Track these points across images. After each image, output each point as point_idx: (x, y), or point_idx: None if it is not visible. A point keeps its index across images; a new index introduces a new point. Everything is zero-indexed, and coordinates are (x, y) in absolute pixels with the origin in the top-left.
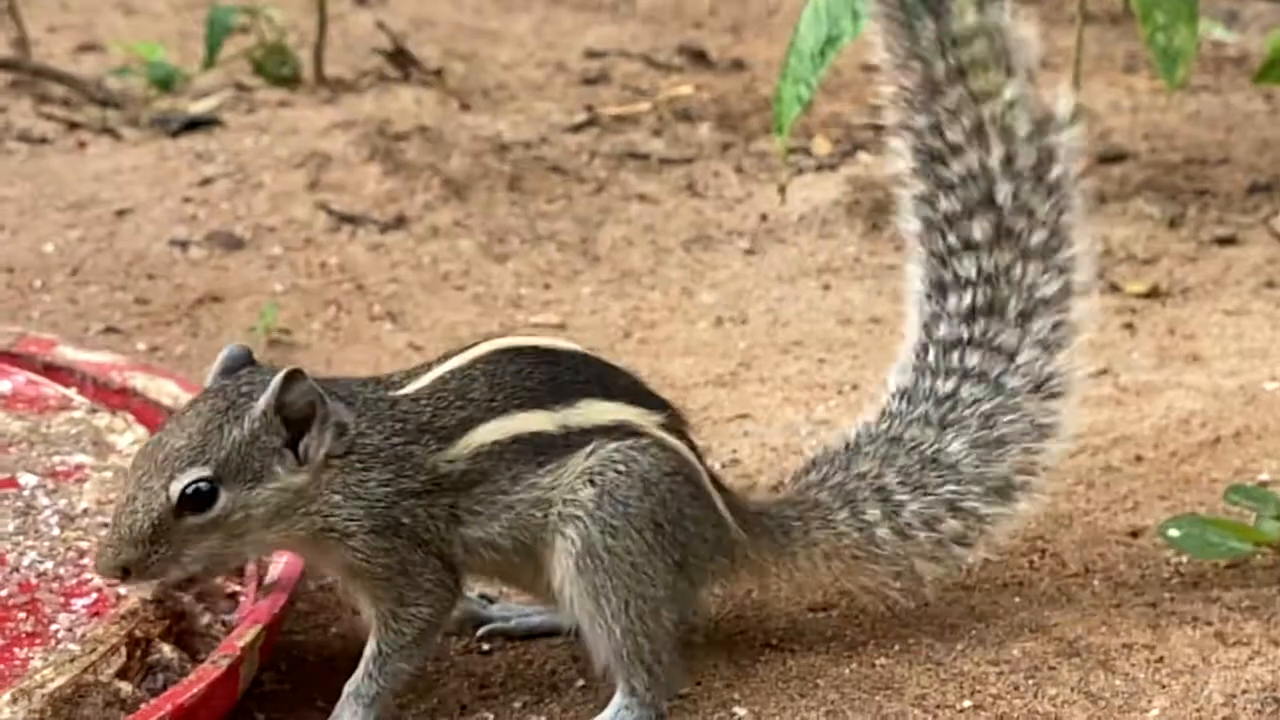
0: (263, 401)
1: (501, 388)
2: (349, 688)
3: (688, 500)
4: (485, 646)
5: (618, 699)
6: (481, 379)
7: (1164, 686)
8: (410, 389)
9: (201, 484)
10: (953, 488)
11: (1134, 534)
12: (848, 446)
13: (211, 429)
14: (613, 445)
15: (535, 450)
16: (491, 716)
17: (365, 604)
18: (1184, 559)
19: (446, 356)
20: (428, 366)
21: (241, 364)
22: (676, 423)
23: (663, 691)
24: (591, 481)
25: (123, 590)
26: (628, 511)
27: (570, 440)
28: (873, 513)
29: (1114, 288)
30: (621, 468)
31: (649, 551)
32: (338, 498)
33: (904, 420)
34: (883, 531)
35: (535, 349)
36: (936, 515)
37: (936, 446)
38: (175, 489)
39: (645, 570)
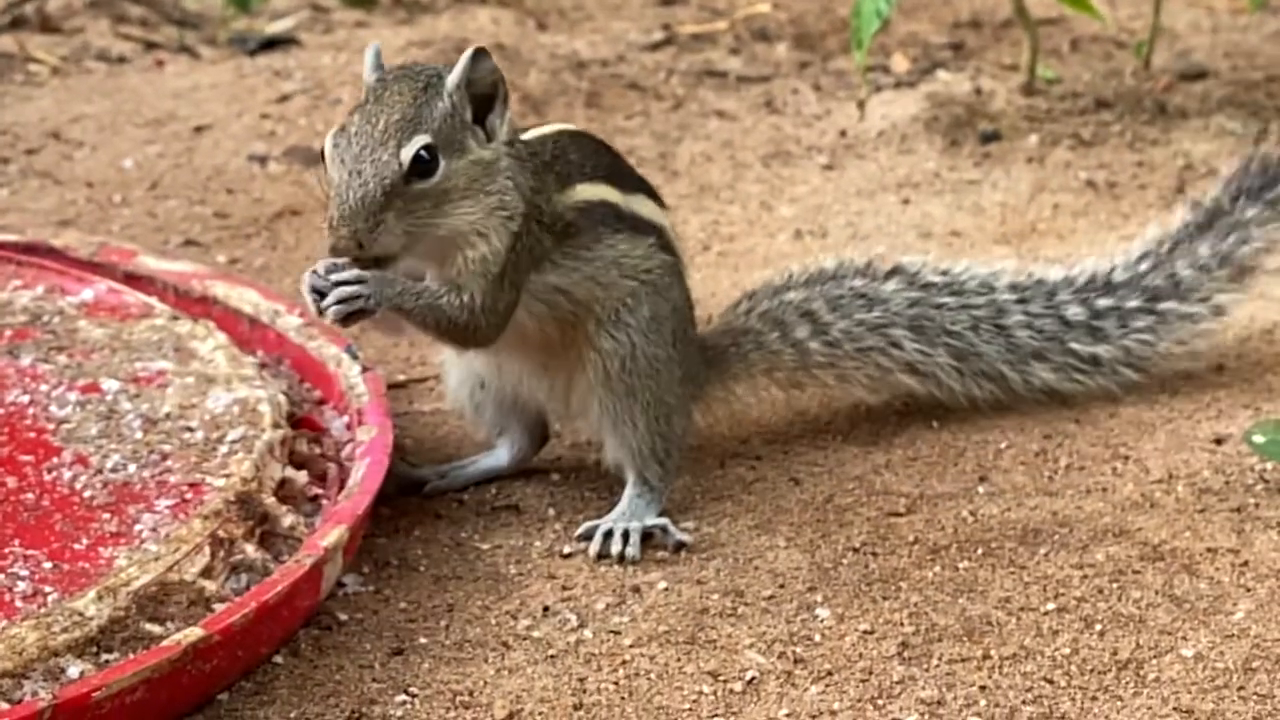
0: (457, 76)
1: (587, 159)
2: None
3: (689, 326)
4: (566, 550)
5: (631, 489)
6: (572, 147)
7: (1249, 590)
8: (525, 136)
9: (424, 151)
10: (879, 314)
11: (1218, 441)
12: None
13: (420, 104)
14: (659, 259)
15: (615, 217)
16: (574, 618)
17: (445, 271)
18: (1268, 465)
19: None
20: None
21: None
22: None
23: (669, 483)
24: (647, 291)
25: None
26: (662, 328)
27: (635, 224)
28: (801, 331)
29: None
30: (667, 288)
31: (670, 361)
32: (508, 182)
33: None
34: (814, 344)
35: (591, 136)
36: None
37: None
38: (407, 154)
39: (667, 377)
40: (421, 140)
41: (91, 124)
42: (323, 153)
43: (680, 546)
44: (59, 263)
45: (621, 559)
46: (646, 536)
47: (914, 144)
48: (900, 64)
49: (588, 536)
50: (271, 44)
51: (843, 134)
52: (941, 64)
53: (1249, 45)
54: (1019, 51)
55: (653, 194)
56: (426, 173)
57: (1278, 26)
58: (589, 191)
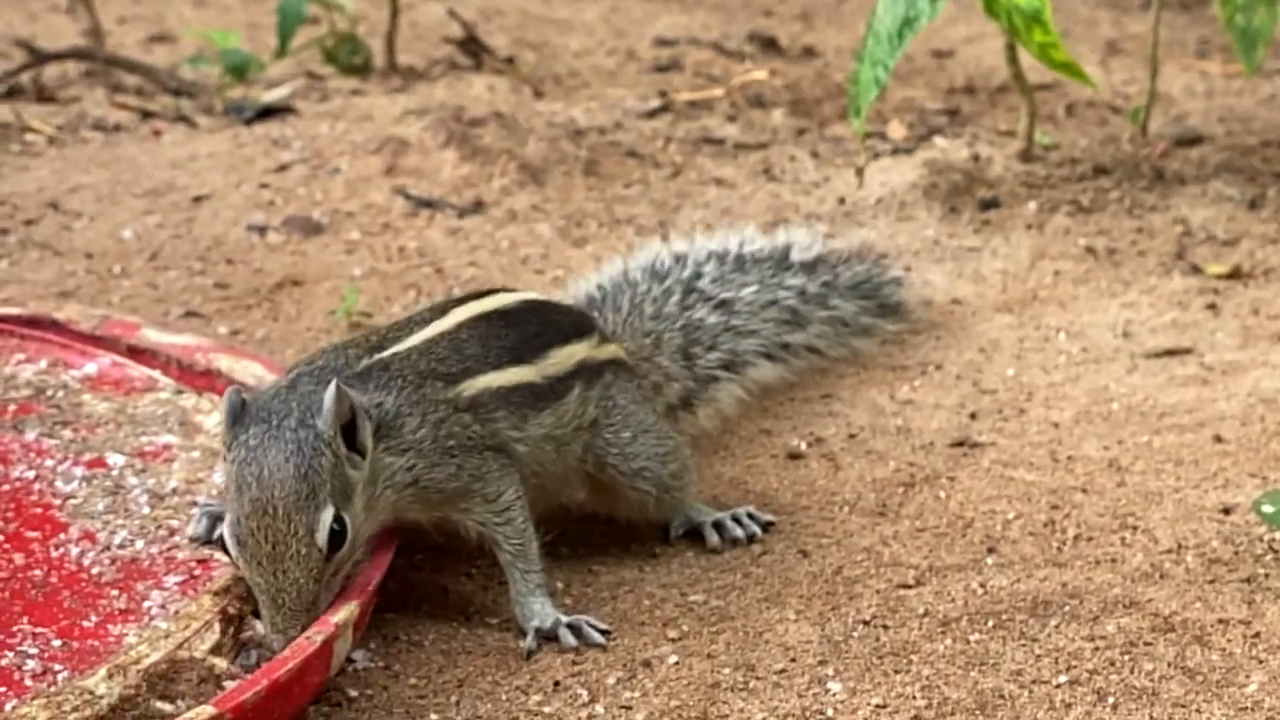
0: (330, 424)
1: (490, 347)
2: (515, 593)
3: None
4: None
5: (674, 523)
6: (472, 340)
7: (1261, 661)
8: (400, 348)
9: (335, 524)
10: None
11: (1225, 511)
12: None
13: (306, 469)
14: (595, 392)
15: (532, 396)
16: (585, 693)
17: (469, 526)
18: (1277, 535)
19: (422, 320)
20: (407, 328)
21: (241, 407)
22: (602, 332)
23: (695, 495)
24: (610, 422)
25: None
26: (640, 422)
27: (554, 388)
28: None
29: (1195, 269)
30: (621, 404)
31: (653, 417)
32: (391, 459)
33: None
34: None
35: (499, 312)
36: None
37: None
38: (322, 539)
39: (656, 431)
40: (329, 515)
41: (90, 194)
42: (221, 543)
43: (765, 528)
44: (62, 336)
45: (751, 539)
46: (744, 529)
47: (913, 211)
48: (897, 131)
49: (709, 530)
50: (268, 112)
51: (841, 201)
52: (938, 130)
53: (1244, 109)
54: (1015, 117)
55: (564, 337)
56: (340, 542)
57: (1272, 91)
58: (494, 380)
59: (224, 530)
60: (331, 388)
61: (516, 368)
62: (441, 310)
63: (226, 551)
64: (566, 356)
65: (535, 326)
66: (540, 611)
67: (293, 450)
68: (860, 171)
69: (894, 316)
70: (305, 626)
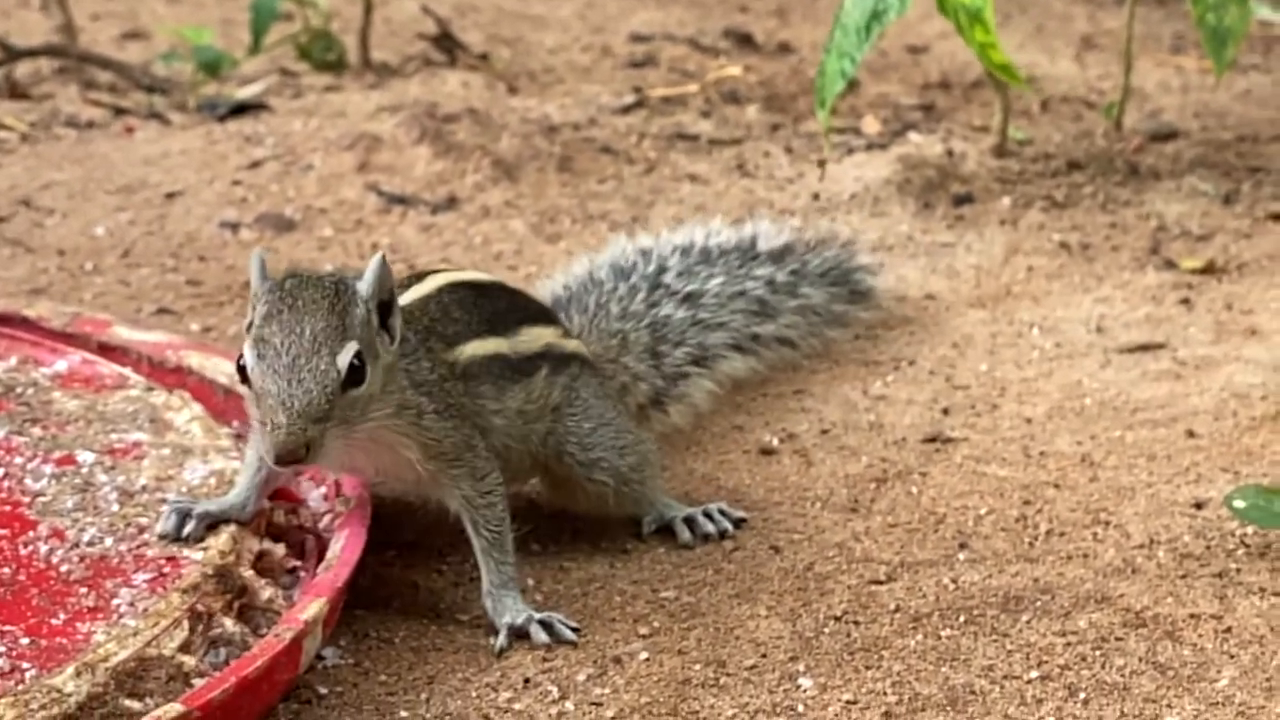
0: (371, 284)
1: (471, 315)
2: (487, 585)
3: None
4: None
5: (646, 519)
6: (454, 306)
7: (1232, 656)
8: (403, 301)
9: (356, 359)
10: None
11: (1197, 505)
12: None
13: (340, 310)
14: (561, 379)
15: (508, 368)
16: (555, 690)
17: (450, 497)
18: (1249, 530)
19: (403, 285)
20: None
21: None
22: (565, 328)
23: (663, 492)
24: (571, 410)
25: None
26: (601, 415)
27: (523, 366)
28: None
29: (1169, 264)
30: (584, 397)
31: (614, 412)
32: (405, 380)
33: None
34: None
35: (470, 284)
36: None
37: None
38: (343, 362)
39: (615, 425)
40: (354, 347)
41: (62, 191)
42: (240, 366)
43: (737, 524)
44: (32, 333)
45: (723, 535)
46: (715, 525)
47: (887, 206)
48: (871, 126)
49: (681, 526)
50: (241, 109)
51: (815, 197)
52: (912, 125)
53: (1218, 105)
54: (989, 112)
55: (532, 318)
56: (358, 380)
57: (1246, 86)
58: (479, 348)
59: (242, 351)
60: (378, 256)
61: (494, 338)
62: (418, 277)
63: (242, 376)
64: (535, 337)
65: (505, 303)
66: (513, 607)
67: (330, 292)
68: (823, 164)
69: (865, 303)
70: (305, 450)
